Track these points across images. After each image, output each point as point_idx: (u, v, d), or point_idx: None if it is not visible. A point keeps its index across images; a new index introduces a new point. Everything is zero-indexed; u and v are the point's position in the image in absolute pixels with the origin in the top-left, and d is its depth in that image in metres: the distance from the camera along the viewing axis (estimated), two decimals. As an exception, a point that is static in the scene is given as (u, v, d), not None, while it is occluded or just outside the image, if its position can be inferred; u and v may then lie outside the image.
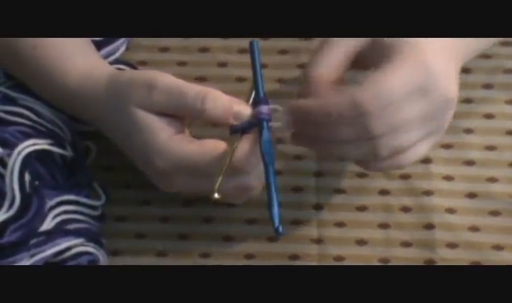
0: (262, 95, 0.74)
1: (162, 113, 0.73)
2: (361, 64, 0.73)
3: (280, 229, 0.70)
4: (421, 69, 0.69)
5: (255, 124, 0.72)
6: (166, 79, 0.73)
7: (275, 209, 0.70)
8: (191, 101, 0.72)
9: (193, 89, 0.72)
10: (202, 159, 0.72)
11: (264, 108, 0.73)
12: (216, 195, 0.71)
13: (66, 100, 0.78)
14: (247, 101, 0.74)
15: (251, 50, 0.75)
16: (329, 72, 0.73)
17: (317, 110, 0.70)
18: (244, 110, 0.73)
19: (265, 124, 0.72)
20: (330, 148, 0.73)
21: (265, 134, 0.72)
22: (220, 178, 0.71)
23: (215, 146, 0.72)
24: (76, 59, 0.78)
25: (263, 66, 0.84)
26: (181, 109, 0.72)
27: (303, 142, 0.75)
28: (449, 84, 0.70)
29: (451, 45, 0.73)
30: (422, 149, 0.72)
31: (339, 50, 0.73)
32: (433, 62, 0.69)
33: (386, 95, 0.68)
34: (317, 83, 0.73)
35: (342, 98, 0.69)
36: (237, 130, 0.73)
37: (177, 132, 0.73)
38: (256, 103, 0.73)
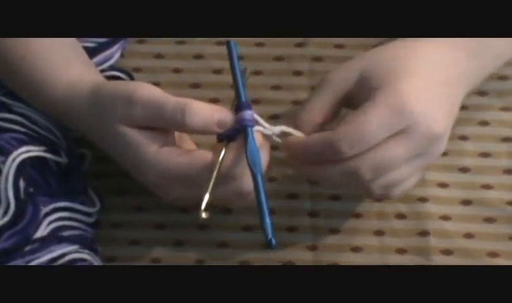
0: (243, 99, 0.72)
1: (145, 127, 0.72)
2: (351, 103, 0.74)
3: (273, 242, 0.68)
4: (398, 111, 0.70)
5: (239, 131, 0.71)
6: (145, 92, 0.72)
7: (267, 221, 0.68)
8: (170, 114, 0.71)
9: (171, 101, 0.71)
10: (191, 170, 0.71)
11: (247, 114, 0.71)
12: (204, 214, 0.69)
13: (54, 111, 0.78)
14: (232, 107, 0.73)
15: (228, 51, 0.74)
16: (316, 114, 0.74)
17: (300, 149, 0.73)
18: (227, 117, 0.72)
19: (249, 130, 0.71)
20: (323, 182, 0.76)
21: (251, 142, 0.70)
22: (207, 196, 0.69)
23: (203, 156, 0.72)
24: (64, 69, 0.78)
25: (258, 73, 0.85)
26: (161, 123, 0.72)
27: (301, 173, 0.77)
28: (433, 121, 0.71)
29: (453, 74, 0.74)
30: (413, 180, 0.75)
31: (328, 93, 0.74)
32: (413, 103, 0.70)
33: (360, 136, 0.70)
34: (305, 126, 0.74)
35: (319, 138, 0.71)
36: (223, 138, 0.72)
37: (164, 145, 0.73)
38: (238, 108, 0.72)
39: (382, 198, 0.77)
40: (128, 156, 0.73)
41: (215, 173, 0.70)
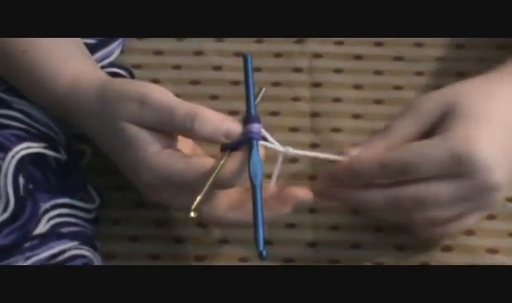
0: (253, 112, 0.72)
1: (152, 129, 0.72)
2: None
3: (264, 253, 0.67)
4: (459, 159, 0.70)
5: (244, 142, 0.71)
6: (158, 95, 0.72)
7: (260, 232, 0.68)
8: (180, 120, 0.70)
9: (183, 108, 0.71)
10: (189, 176, 0.71)
11: (254, 127, 0.71)
12: (192, 214, 0.69)
13: (56, 107, 0.78)
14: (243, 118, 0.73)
15: (244, 64, 0.74)
16: (398, 140, 0.74)
17: (351, 168, 0.73)
18: (235, 128, 0.71)
19: (254, 143, 0.71)
20: (365, 208, 0.75)
21: (255, 155, 0.70)
22: (199, 197, 0.69)
23: (202, 163, 0.71)
24: (66, 64, 0.78)
25: (257, 69, 0.85)
26: (169, 127, 0.72)
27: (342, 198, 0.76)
28: (493, 171, 0.70)
29: None
30: (461, 223, 0.74)
31: (414, 120, 0.74)
32: (478, 152, 0.70)
33: (409, 163, 0.70)
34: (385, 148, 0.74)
35: (373, 157, 0.72)
36: (227, 148, 0.71)
37: (166, 147, 0.72)
38: (247, 121, 0.72)
39: (427, 235, 0.76)
40: (127, 153, 0.73)
41: (212, 178, 0.70)
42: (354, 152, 0.74)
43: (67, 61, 0.78)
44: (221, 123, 0.71)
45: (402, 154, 0.71)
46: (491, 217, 0.80)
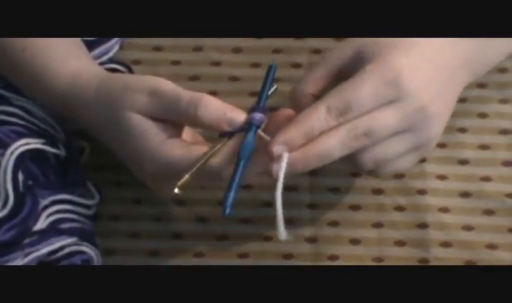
0: (261, 105, 0.73)
1: (157, 119, 0.72)
2: (345, 77, 0.74)
3: (228, 211, 0.68)
4: (389, 82, 0.70)
5: (244, 129, 0.71)
6: (164, 85, 0.72)
7: (231, 195, 0.69)
8: (184, 106, 0.71)
9: (187, 94, 0.71)
10: (187, 163, 0.71)
11: (257, 115, 0.71)
12: (176, 190, 0.69)
13: (56, 103, 0.78)
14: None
15: (268, 71, 0.75)
16: (309, 87, 0.74)
17: (293, 122, 0.71)
18: (238, 116, 0.72)
19: (254, 128, 0.71)
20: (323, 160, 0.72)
21: (250, 136, 0.70)
22: (187, 175, 0.69)
23: (200, 150, 0.71)
24: (66, 61, 0.78)
25: (256, 65, 0.85)
26: (174, 114, 0.72)
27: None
28: (427, 99, 0.71)
29: (456, 60, 0.74)
30: (406, 162, 0.74)
31: (322, 67, 0.74)
32: (406, 77, 0.70)
33: (348, 102, 0.69)
34: (299, 97, 0.74)
35: (312, 106, 0.70)
36: (225, 135, 0.72)
37: (170, 137, 0.73)
38: (252, 110, 0.72)
39: (373, 174, 0.75)
40: (131, 144, 0.73)
41: (203, 160, 0.70)
42: (285, 111, 0.73)
43: (67, 58, 0.78)
44: (225, 111, 0.71)
45: (341, 93, 0.70)
46: (490, 213, 0.80)
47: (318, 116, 0.70)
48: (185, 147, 0.72)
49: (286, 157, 0.70)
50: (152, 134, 0.72)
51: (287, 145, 0.70)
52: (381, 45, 0.72)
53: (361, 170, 0.75)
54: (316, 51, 0.86)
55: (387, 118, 0.70)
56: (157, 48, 0.87)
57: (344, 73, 0.73)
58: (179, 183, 0.69)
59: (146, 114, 0.72)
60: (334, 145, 0.70)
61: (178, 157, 0.71)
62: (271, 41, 0.86)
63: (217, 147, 0.71)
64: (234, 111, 0.72)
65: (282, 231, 0.69)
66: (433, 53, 0.73)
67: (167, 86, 0.72)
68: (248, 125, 0.71)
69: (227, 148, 0.71)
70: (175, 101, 0.71)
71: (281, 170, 0.70)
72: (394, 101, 0.70)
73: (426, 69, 0.72)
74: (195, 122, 0.72)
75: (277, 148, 0.70)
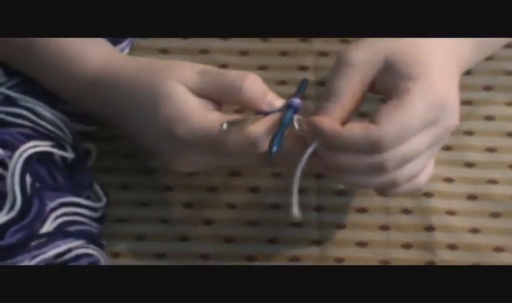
0: (299, 94, 0.75)
1: (200, 95, 0.74)
2: (374, 88, 0.74)
3: (275, 148, 0.70)
4: (436, 106, 0.70)
5: (282, 111, 0.73)
6: (210, 67, 0.75)
7: (279, 134, 0.71)
8: (230, 80, 0.73)
9: (233, 72, 0.74)
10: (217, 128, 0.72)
11: (296, 100, 0.73)
12: (225, 125, 0.71)
13: (85, 92, 0.78)
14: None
15: (301, 85, 0.77)
16: (348, 102, 0.73)
17: (337, 137, 0.70)
18: (277, 100, 0.74)
19: (292, 109, 0.73)
20: (345, 175, 0.73)
21: (289, 113, 0.72)
22: (237, 116, 0.73)
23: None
24: (94, 49, 0.79)
25: (263, 68, 0.85)
26: (220, 89, 0.73)
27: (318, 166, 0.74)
28: (457, 111, 0.72)
29: (453, 50, 0.74)
30: (430, 167, 0.74)
31: (355, 78, 0.73)
32: (446, 96, 0.71)
33: (402, 132, 0.69)
34: (338, 113, 0.72)
35: (363, 131, 0.69)
36: (263, 113, 0.73)
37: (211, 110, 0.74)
38: (291, 97, 0.74)
39: (404, 191, 0.74)
40: (168, 110, 0.73)
41: (250, 117, 0.72)
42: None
43: (94, 46, 0.79)
44: (267, 91, 0.74)
45: (390, 128, 0.69)
46: (496, 215, 0.80)
47: (360, 142, 0.69)
48: (223, 117, 0.73)
49: (313, 145, 0.71)
50: (193, 102, 0.73)
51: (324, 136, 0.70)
52: (412, 58, 0.72)
53: (394, 186, 0.73)
54: (323, 54, 0.86)
55: (423, 141, 0.71)
56: (164, 51, 0.87)
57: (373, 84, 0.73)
58: (230, 120, 0.71)
59: (193, 89, 0.74)
60: (361, 165, 0.71)
61: (215, 123, 0.72)
62: (277, 44, 0.86)
63: (258, 116, 0.73)
64: (274, 95, 0.74)
65: (295, 211, 0.71)
66: (448, 57, 0.73)
67: (214, 68, 0.75)
68: (285, 108, 0.73)
69: (266, 120, 0.72)
70: (222, 75, 0.74)
71: (309, 150, 0.71)
72: (433, 122, 0.71)
73: (452, 80, 0.73)
74: (238, 98, 0.73)
75: (317, 123, 0.70)
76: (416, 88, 0.70)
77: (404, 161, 0.70)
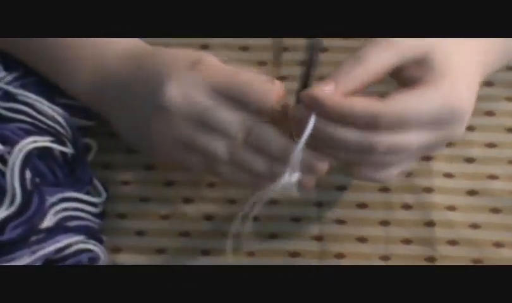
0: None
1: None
2: (396, 74, 0.73)
3: None
4: (452, 109, 0.70)
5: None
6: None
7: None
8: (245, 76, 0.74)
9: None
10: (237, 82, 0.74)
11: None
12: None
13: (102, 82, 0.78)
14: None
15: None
16: (357, 85, 0.71)
17: (335, 106, 0.69)
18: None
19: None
20: (333, 150, 0.72)
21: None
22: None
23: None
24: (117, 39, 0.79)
25: (263, 63, 0.85)
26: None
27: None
28: (466, 121, 0.73)
29: (481, 60, 0.75)
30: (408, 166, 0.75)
31: (391, 54, 0.72)
32: (466, 101, 0.71)
33: (405, 116, 0.69)
34: (345, 86, 0.71)
35: (367, 105, 0.69)
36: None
37: None
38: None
39: (371, 179, 0.75)
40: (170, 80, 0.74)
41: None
42: (328, 88, 0.70)
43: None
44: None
45: (395, 108, 0.69)
46: (497, 211, 0.80)
47: (362, 115, 0.69)
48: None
49: (313, 120, 0.70)
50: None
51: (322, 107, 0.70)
52: (449, 57, 0.72)
53: (369, 167, 0.73)
54: (324, 49, 0.86)
55: (419, 140, 0.71)
56: (166, 45, 0.86)
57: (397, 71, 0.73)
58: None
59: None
60: (352, 141, 0.70)
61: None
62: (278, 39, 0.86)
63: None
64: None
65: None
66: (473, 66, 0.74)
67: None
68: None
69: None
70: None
71: (307, 128, 0.70)
72: (438, 126, 0.71)
73: (472, 88, 0.73)
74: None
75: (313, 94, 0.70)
76: (441, 83, 0.70)
77: (394, 151, 0.70)
